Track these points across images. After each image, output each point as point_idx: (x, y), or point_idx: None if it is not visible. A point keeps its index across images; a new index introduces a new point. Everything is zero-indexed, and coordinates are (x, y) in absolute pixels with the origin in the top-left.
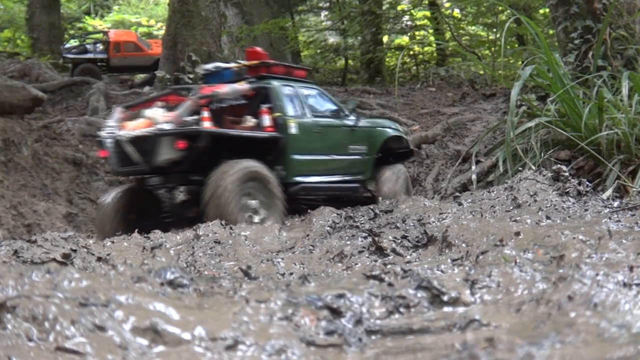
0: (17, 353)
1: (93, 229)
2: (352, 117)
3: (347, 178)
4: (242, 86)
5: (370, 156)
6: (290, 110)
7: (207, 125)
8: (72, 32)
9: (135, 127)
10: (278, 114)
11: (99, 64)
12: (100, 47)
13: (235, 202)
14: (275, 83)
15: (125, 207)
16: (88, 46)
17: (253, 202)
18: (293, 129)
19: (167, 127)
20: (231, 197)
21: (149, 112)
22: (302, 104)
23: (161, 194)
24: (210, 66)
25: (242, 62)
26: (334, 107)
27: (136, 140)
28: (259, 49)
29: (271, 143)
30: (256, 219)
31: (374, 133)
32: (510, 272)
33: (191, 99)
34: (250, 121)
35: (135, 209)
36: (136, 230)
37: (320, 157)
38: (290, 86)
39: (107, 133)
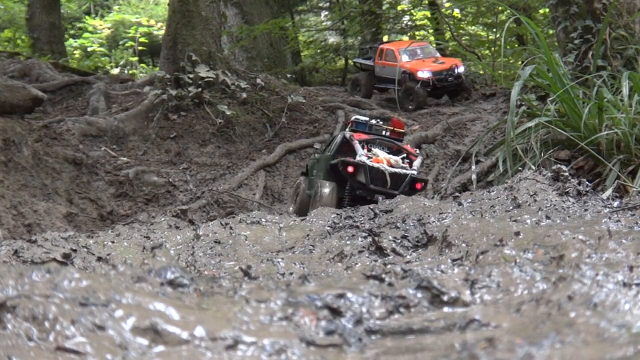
0: (17, 353)
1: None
2: None
3: None
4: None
5: None
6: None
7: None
8: (72, 32)
9: (385, 163)
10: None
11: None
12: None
13: None
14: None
15: (338, 197)
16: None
17: None
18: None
19: (415, 172)
20: None
21: (386, 155)
22: None
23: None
24: (363, 118)
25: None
26: None
27: (394, 175)
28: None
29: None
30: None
31: None
32: (510, 272)
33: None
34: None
35: (339, 198)
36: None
37: None
38: None
39: (366, 161)
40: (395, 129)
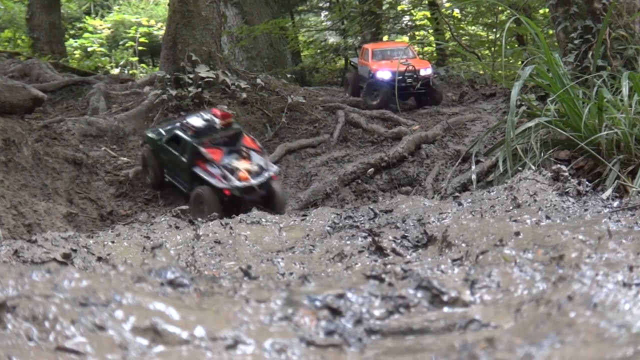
0: (17, 353)
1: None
2: None
3: None
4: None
5: None
6: None
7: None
8: (72, 32)
9: (246, 173)
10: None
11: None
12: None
13: None
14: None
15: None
16: None
17: None
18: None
19: (272, 172)
20: None
21: (244, 165)
22: None
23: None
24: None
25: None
26: None
27: (260, 183)
28: (225, 111)
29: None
30: None
31: None
32: (510, 272)
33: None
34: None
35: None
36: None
37: None
38: None
39: (238, 184)
40: (223, 119)
